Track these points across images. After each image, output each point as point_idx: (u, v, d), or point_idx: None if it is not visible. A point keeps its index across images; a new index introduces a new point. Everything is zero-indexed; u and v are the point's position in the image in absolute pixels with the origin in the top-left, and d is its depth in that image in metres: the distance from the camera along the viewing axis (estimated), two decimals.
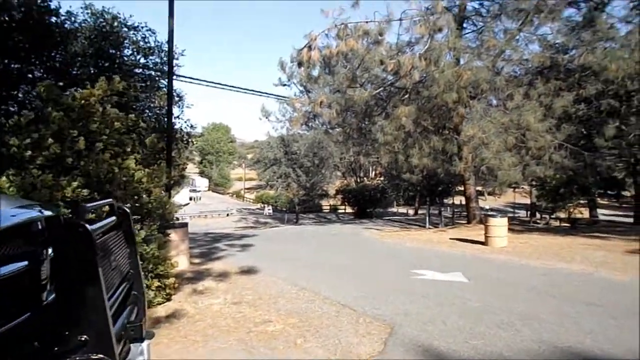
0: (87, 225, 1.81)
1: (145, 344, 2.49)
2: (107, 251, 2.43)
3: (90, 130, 5.93)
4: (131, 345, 2.43)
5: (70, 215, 1.99)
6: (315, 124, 26.60)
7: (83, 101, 5.92)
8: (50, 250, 1.87)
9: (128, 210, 2.88)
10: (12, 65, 12.40)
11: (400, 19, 15.81)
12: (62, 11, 12.81)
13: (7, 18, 11.82)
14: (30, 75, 12.93)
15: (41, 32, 11.92)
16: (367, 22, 15.43)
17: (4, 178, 4.81)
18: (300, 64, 16.71)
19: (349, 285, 8.03)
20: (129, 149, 6.90)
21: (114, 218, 2.70)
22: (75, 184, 5.28)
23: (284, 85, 22.15)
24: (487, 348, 4.71)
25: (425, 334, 5.18)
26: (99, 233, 2.16)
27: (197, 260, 11.28)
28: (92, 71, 13.43)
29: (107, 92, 6.36)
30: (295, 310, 6.28)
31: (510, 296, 7.02)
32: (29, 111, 5.44)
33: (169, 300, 6.91)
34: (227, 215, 48.04)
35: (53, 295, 1.81)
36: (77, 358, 1.77)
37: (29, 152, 5.18)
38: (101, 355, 1.80)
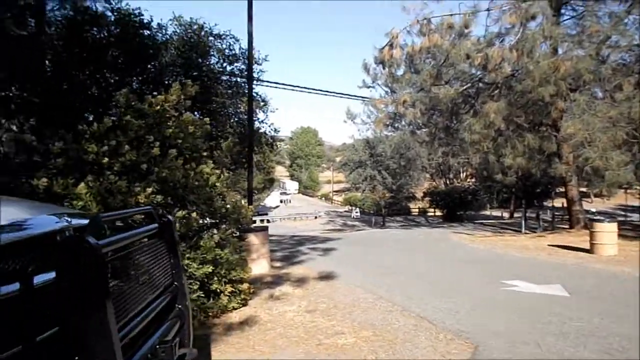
0: (92, 240, 1.59)
1: None
2: (137, 263, 2.26)
3: (165, 135, 6.02)
4: None
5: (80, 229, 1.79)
6: (401, 125, 25.95)
7: (158, 107, 6.03)
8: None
9: (171, 219, 2.71)
10: (111, 78, 13.16)
11: (488, 9, 14.85)
12: (154, 24, 13.47)
13: (105, 34, 12.71)
14: (129, 87, 13.77)
15: (136, 46, 12.63)
16: (451, 15, 14.66)
17: (82, 184, 4.96)
18: (382, 63, 16.27)
19: (431, 295, 7.48)
20: (205, 153, 6.97)
21: (154, 226, 2.54)
22: (149, 190, 5.35)
23: (369, 87, 21.85)
24: None
25: (515, 357, 4.56)
26: (118, 246, 1.97)
27: (278, 264, 11.26)
28: (182, 80, 14.07)
29: (181, 97, 6.45)
30: (369, 322, 5.90)
31: (622, 316, 6.06)
32: (108, 118, 5.62)
33: (244, 305, 6.85)
34: (315, 217, 48.50)
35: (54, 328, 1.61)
36: None
37: (107, 159, 5.33)
38: None
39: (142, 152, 5.57)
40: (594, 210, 32.42)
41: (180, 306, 2.67)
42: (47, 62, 11.88)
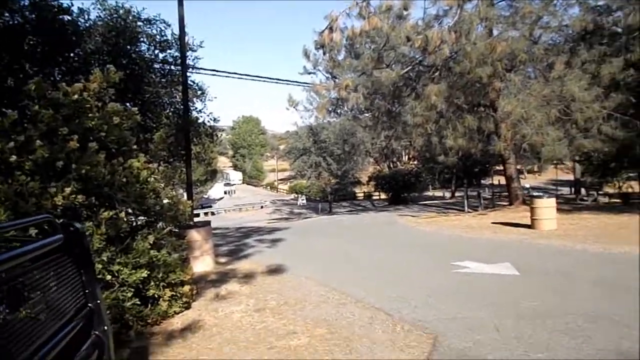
0: None
1: None
2: (31, 288, 1.77)
3: (86, 128, 5.36)
4: None
5: None
6: (344, 111, 25.79)
7: (75, 96, 5.34)
8: None
9: (80, 227, 2.21)
10: (30, 69, 11.96)
11: None
12: (74, 9, 12.36)
13: (20, 20, 11.53)
14: (52, 78, 12.61)
15: (56, 32, 11.55)
16: None
17: None
18: (322, 48, 15.86)
19: (384, 284, 7.28)
20: (135, 147, 6.33)
21: (57, 238, 2.04)
22: (68, 189, 4.72)
23: (310, 73, 21.44)
24: None
25: (476, 345, 4.38)
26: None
27: (223, 260, 10.74)
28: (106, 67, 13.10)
29: (104, 84, 5.78)
30: (323, 318, 5.58)
31: (573, 292, 6.10)
32: (13, 110, 4.89)
33: (187, 308, 6.34)
34: (261, 207, 47.81)
35: None
36: None
37: (15, 157, 4.63)
38: None
39: (57, 147, 4.90)
40: (528, 185, 33.93)
41: (96, 332, 2.20)
42: None
